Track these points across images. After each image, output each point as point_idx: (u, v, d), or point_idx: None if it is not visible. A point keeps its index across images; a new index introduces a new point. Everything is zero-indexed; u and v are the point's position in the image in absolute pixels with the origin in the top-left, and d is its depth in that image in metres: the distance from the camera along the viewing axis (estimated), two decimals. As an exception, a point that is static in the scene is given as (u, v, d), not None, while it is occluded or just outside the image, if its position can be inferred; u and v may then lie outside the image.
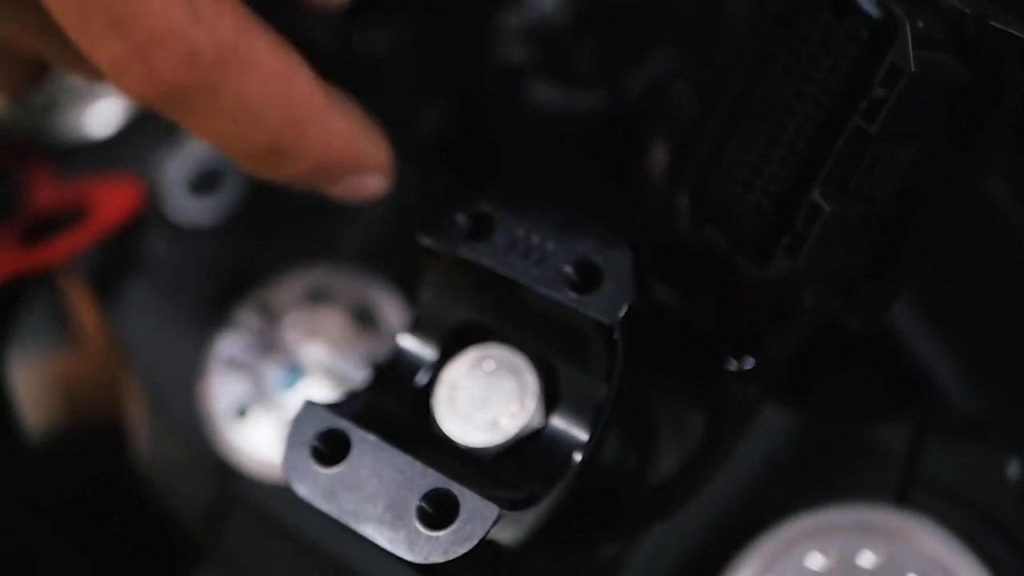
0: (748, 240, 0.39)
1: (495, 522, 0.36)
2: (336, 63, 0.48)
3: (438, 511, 0.37)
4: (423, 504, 0.37)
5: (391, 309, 0.56)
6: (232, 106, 0.40)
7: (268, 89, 0.41)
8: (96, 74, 0.41)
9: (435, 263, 0.41)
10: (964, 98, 0.37)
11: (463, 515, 0.36)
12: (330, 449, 0.38)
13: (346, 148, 0.44)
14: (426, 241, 0.40)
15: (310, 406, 0.39)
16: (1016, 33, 0.36)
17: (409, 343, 0.42)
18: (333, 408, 0.39)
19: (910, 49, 0.35)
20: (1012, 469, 0.45)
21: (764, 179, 0.38)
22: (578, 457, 0.39)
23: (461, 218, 0.40)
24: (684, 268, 0.43)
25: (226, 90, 0.40)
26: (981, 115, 0.37)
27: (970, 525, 0.44)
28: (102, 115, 0.65)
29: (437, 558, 0.36)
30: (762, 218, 0.38)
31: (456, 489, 0.36)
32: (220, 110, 0.40)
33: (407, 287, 0.56)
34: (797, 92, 0.37)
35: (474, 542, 0.36)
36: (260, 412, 0.56)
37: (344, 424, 0.38)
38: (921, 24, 0.35)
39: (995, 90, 0.37)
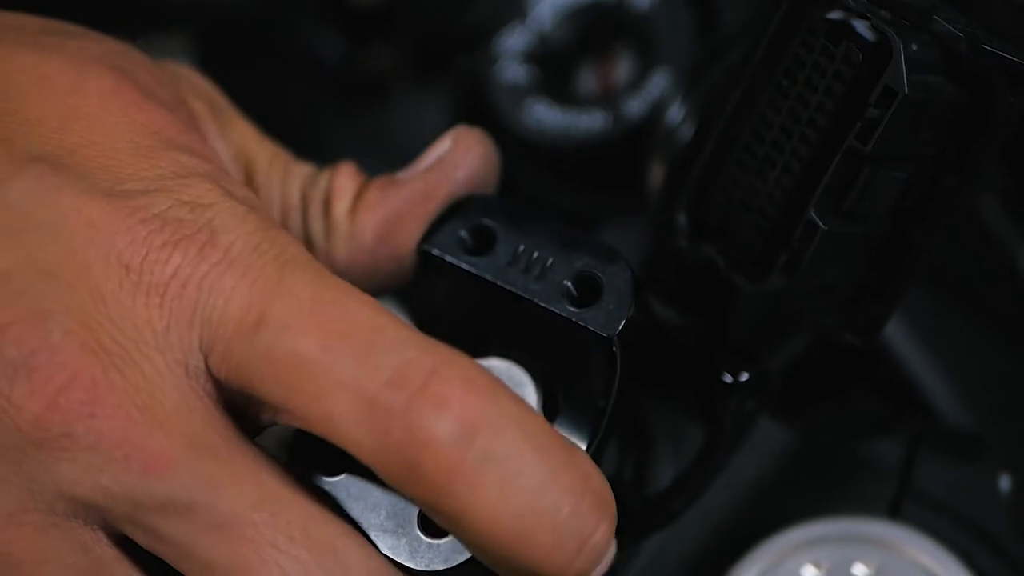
0: (745, 258, 0.39)
1: None
2: (342, 80, 0.49)
3: None
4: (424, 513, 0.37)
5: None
6: None
7: None
8: None
9: (437, 275, 0.41)
10: (957, 119, 0.38)
11: None
12: (333, 458, 0.38)
13: None
14: (428, 253, 0.41)
15: None
16: (1007, 56, 0.37)
17: None
18: None
19: (904, 71, 0.35)
20: (1003, 483, 0.46)
21: (761, 198, 0.39)
22: None
23: (463, 231, 0.41)
24: (682, 284, 0.44)
25: None
26: (974, 136, 0.38)
27: (962, 538, 0.45)
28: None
29: (438, 565, 0.37)
30: (759, 236, 0.39)
31: None
32: None
33: (410, 302, 0.57)
34: (793, 113, 0.38)
35: None
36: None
37: None
38: (915, 47, 0.36)
39: (987, 111, 0.37)
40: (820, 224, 0.37)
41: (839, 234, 0.37)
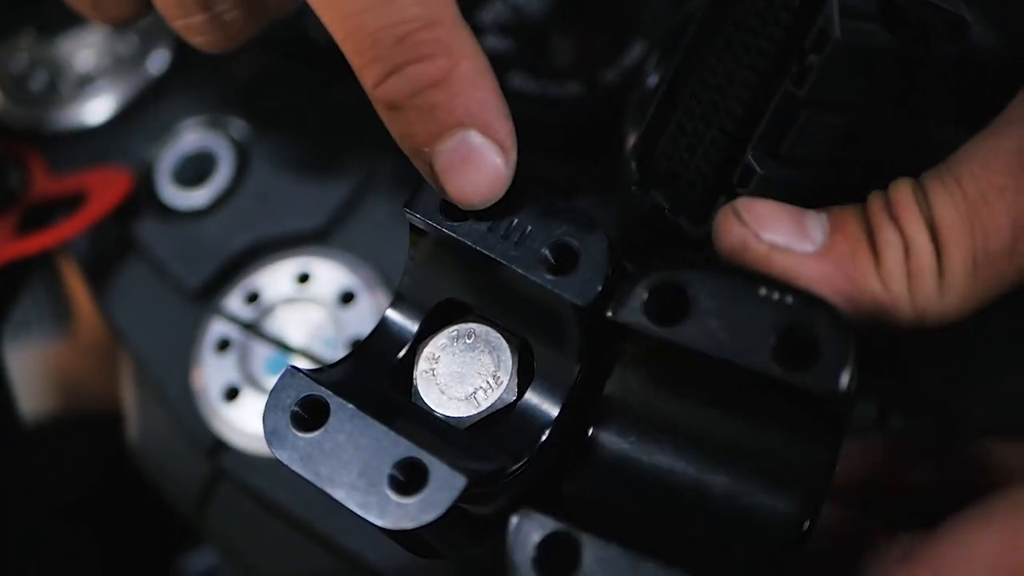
0: (688, 201, 0.40)
1: (463, 491, 0.37)
2: (331, 55, 0.50)
3: (409, 479, 0.37)
4: (395, 472, 0.38)
5: (375, 293, 0.57)
6: None
7: None
8: None
9: (419, 239, 0.42)
10: (895, 68, 0.38)
11: (432, 484, 0.37)
12: (309, 415, 0.39)
13: (474, 91, 0.41)
14: (411, 217, 0.41)
15: (292, 373, 0.40)
16: (942, 5, 0.37)
17: (392, 317, 0.43)
18: (314, 376, 0.40)
19: (836, 16, 0.36)
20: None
21: (705, 144, 0.39)
22: (548, 432, 0.40)
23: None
24: (654, 243, 0.44)
25: None
26: (912, 84, 0.38)
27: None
28: (95, 107, 0.67)
29: (406, 524, 0.37)
30: (702, 180, 0.39)
31: (426, 459, 0.37)
32: None
33: (390, 271, 0.58)
34: (737, 60, 0.38)
35: (441, 510, 0.37)
36: (250, 393, 0.57)
37: (323, 392, 0.39)
38: (852, -6, 0.36)
39: (924, 58, 0.38)
40: (757, 168, 0.37)
41: (776, 178, 0.38)
